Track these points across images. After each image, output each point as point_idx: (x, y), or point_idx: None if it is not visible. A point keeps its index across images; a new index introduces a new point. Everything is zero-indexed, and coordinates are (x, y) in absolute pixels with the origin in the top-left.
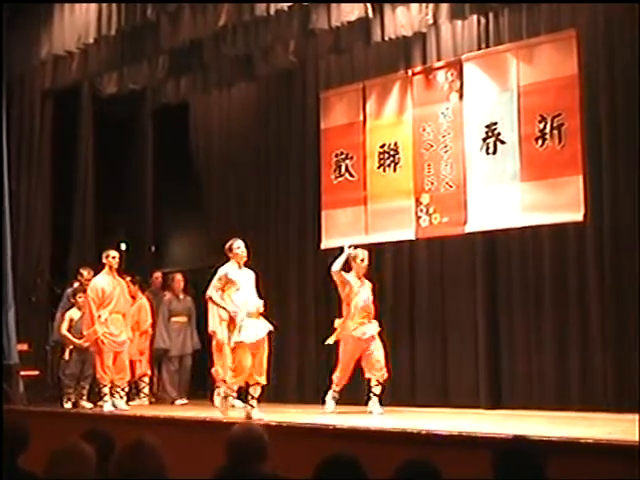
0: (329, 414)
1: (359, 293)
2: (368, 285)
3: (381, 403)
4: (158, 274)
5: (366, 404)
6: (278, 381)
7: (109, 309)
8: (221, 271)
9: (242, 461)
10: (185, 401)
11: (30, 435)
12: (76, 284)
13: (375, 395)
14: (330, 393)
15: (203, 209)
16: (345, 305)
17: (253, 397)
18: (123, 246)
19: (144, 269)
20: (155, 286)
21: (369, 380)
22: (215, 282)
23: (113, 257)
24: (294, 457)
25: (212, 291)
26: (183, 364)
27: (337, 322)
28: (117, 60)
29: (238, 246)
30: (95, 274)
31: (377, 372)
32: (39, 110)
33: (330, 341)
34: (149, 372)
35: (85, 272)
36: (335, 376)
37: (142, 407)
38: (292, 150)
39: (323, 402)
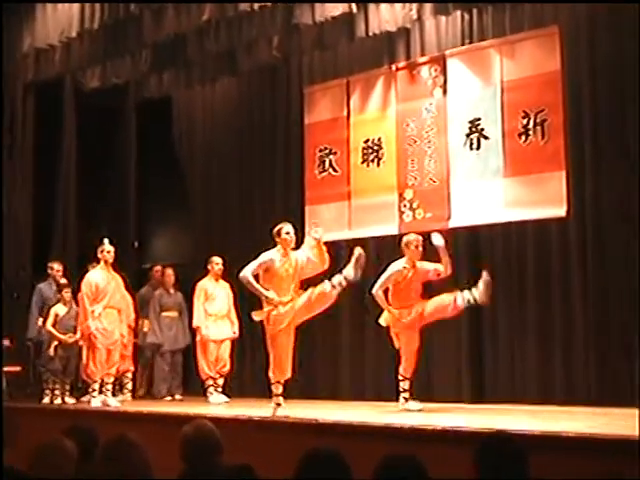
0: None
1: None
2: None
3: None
4: (158, 267)
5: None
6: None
7: (103, 304)
8: (265, 256)
9: (198, 458)
10: (179, 397)
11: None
12: (64, 280)
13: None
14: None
15: (187, 204)
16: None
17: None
18: (106, 241)
19: (127, 264)
20: (155, 279)
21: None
22: (254, 265)
23: (108, 251)
24: (277, 452)
25: (248, 272)
26: (174, 359)
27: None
28: (100, 54)
29: (287, 231)
30: (65, 268)
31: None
32: (21, 104)
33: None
34: (132, 368)
35: (55, 265)
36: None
37: (128, 402)
38: (276, 145)
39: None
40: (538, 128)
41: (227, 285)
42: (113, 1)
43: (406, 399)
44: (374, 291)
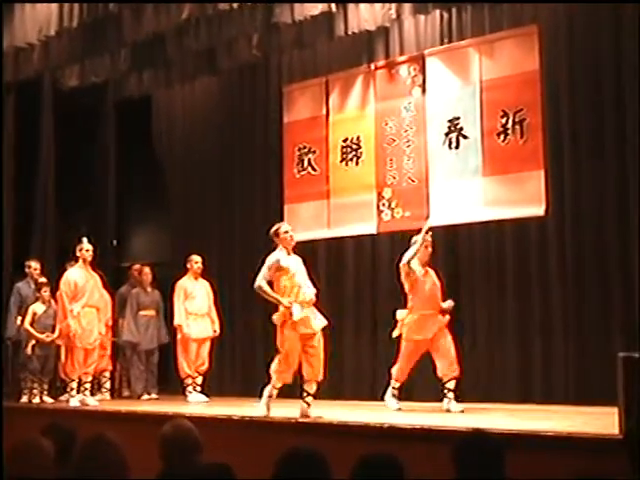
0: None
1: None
2: (432, 273)
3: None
4: (137, 266)
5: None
6: (244, 375)
7: (82, 303)
8: (270, 259)
9: (177, 457)
10: (155, 396)
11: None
12: (43, 279)
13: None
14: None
15: (166, 203)
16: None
17: (309, 394)
18: (85, 240)
19: (106, 263)
20: (133, 278)
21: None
22: (264, 271)
23: (87, 250)
24: (257, 451)
25: (261, 281)
26: (150, 358)
27: (400, 314)
28: (79, 53)
29: (285, 230)
30: (42, 266)
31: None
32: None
33: (395, 334)
34: (109, 367)
35: (33, 263)
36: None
37: (107, 402)
38: (255, 144)
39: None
40: (517, 127)
41: (207, 284)
42: (92, 0)
43: (450, 399)
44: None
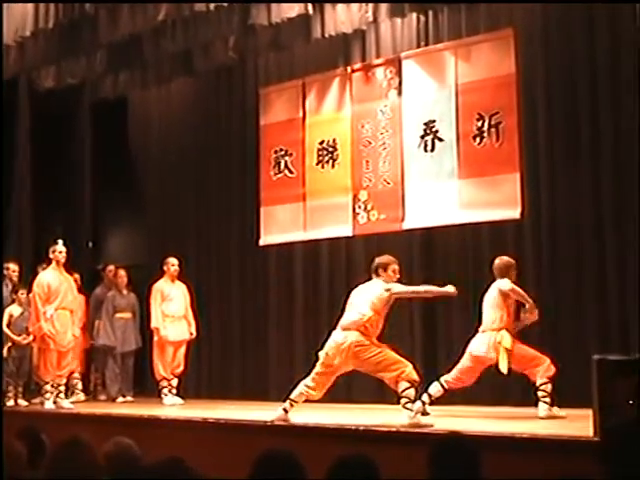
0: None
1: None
2: None
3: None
4: (111, 268)
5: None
6: (220, 377)
7: (55, 305)
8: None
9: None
10: (130, 398)
11: None
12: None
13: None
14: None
15: (142, 204)
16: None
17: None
18: (59, 242)
19: (81, 265)
20: (108, 280)
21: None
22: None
23: (60, 252)
24: (232, 453)
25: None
26: (126, 361)
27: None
28: (55, 54)
29: (394, 269)
30: (21, 268)
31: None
32: None
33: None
34: (79, 369)
35: (12, 265)
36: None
37: (82, 404)
38: (231, 146)
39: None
40: (493, 130)
41: (183, 286)
42: (68, 1)
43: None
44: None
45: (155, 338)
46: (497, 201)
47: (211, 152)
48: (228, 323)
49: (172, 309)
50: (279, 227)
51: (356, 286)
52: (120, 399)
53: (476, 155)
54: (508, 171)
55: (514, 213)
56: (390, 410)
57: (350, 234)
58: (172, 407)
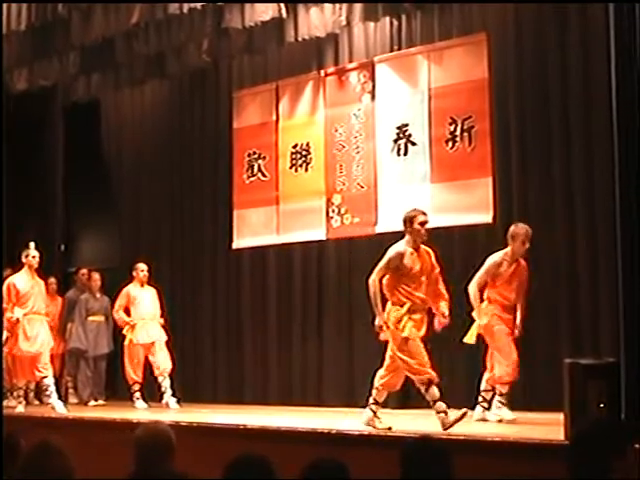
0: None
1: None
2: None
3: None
4: (84, 271)
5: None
6: (194, 381)
7: (26, 309)
8: (394, 251)
9: (150, 461)
10: (102, 402)
11: None
12: None
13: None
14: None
15: (114, 208)
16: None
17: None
18: (32, 245)
19: (53, 268)
20: (81, 283)
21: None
22: (382, 267)
23: (33, 256)
24: (205, 457)
25: (375, 278)
26: (98, 364)
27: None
28: (27, 56)
29: (421, 221)
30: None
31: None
32: None
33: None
34: (47, 373)
35: None
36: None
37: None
38: (205, 149)
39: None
40: (465, 135)
41: (153, 290)
42: (40, 2)
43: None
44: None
45: (125, 342)
46: (469, 205)
47: (184, 155)
48: (200, 326)
49: (141, 312)
50: (252, 230)
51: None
52: (92, 402)
53: (449, 159)
54: (480, 175)
55: (486, 217)
56: (360, 413)
57: (323, 238)
58: (144, 411)
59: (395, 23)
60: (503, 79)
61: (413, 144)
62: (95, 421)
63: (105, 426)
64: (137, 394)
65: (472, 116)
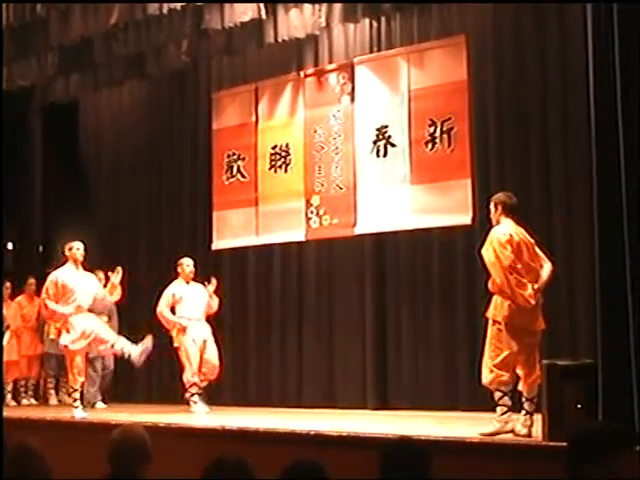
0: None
1: None
2: None
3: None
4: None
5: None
6: (174, 382)
7: (72, 305)
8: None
9: (125, 464)
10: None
11: None
12: None
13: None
14: None
15: (93, 208)
16: None
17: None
18: (10, 245)
19: (32, 269)
20: None
21: None
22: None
23: (77, 249)
24: (183, 459)
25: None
26: (106, 364)
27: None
28: (5, 56)
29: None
30: None
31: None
32: None
33: None
34: (19, 375)
35: None
36: None
37: (34, 409)
38: (184, 150)
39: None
40: (444, 136)
41: (200, 286)
42: (19, 2)
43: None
44: None
45: (175, 343)
46: (448, 207)
47: (163, 156)
48: None
49: (189, 310)
50: (232, 232)
51: None
52: (100, 405)
53: (428, 161)
54: (459, 177)
55: (465, 219)
56: (340, 414)
57: (303, 239)
58: (123, 412)
59: (375, 25)
60: (482, 81)
61: (392, 145)
62: (70, 423)
63: (80, 427)
64: (195, 397)
65: (451, 118)
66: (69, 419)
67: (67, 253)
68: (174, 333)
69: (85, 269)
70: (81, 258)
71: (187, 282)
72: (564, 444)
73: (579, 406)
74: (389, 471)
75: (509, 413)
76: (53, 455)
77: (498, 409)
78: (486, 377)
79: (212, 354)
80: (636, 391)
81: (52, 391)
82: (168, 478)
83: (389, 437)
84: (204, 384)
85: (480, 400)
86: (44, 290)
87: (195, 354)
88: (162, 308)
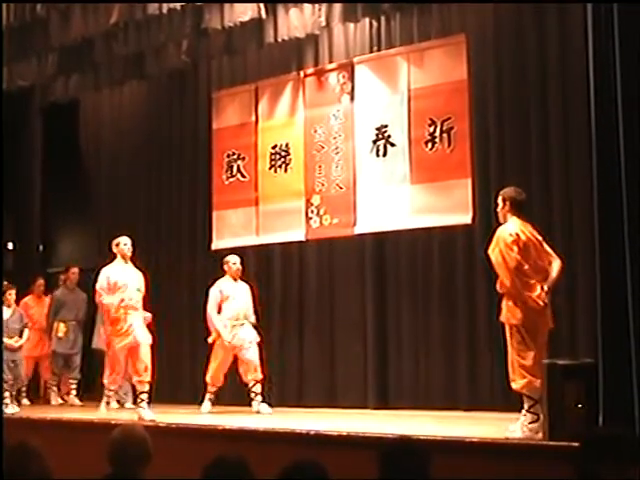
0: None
1: None
2: None
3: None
4: (75, 269)
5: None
6: (172, 382)
7: (119, 300)
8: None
9: (126, 465)
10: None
11: None
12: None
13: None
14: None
15: (92, 208)
16: None
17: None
18: (10, 245)
19: (32, 268)
20: (70, 281)
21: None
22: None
23: (125, 244)
24: (183, 458)
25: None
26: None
27: None
28: (6, 56)
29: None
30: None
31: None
32: None
33: None
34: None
35: None
36: None
37: (29, 409)
38: (184, 150)
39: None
40: (444, 136)
41: (246, 285)
42: (19, 2)
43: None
44: None
45: (216, 341)
46: (448, 206)
47: (163, 156)
48: (179, 328)
49: (235, 310)
50: (231, 231)
51: None
52: (128, 405)
53: (428, 160)
54: (459, 176)
55: (465, 218)
56: (340, 414)
57: (303, 238)
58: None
59: (374, 24)
60: (482, 80)
61: (392, 145)
62: (70, 422)
63: (80, 427)
64: (210, 396)
65: (451, 117)
66: (69, 419)
67: (115, 249)
68: (214, 334)
69: (135, 265)
70: (129, 253)
71: (235, 280)
72: (564, 444)
73: (580, 406)
74: (389, 471)
75: (540, 422)
76: (53, 455)
77: (529, 416)
78: (518, 382)
79: (252, 356)
80: (636, 391)
81: (55, 388)
82: (168, 478)
83: (389, 436)
84: (252, 385)
85: (480, 400)
86: (98, 286)
87: (225, 360)
88: (211, 310)
